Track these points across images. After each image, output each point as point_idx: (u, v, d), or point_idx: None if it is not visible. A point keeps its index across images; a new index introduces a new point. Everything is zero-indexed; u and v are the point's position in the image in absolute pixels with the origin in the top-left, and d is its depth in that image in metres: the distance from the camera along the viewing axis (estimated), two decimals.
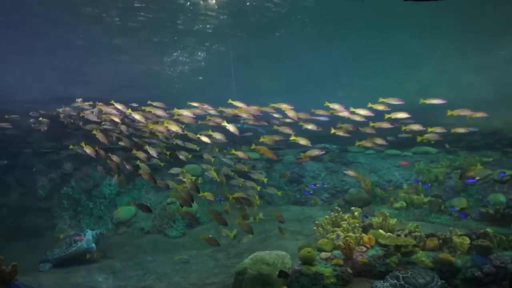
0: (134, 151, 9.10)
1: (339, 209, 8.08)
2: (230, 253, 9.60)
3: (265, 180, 10.48)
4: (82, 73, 16.70)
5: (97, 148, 9.07)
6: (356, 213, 7.79)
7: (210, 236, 8.82)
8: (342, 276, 5.87)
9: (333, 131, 8.85)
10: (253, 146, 9.02)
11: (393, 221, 7.43)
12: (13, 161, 13.05)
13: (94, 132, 9.25)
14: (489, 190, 10.80)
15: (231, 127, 8.33)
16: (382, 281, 5.48)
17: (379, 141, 8.82)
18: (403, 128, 8.81)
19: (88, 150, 9.03)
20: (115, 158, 8.92)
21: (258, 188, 9.65)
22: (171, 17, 11.91)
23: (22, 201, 12.42)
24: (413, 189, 11.88)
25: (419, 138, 8.68)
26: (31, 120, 12.69)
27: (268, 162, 14.82)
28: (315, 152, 8.88)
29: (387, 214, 7.64)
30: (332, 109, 8.77)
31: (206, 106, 9.52)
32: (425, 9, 11.54)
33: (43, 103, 14.37)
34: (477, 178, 10.87)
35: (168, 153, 9.71)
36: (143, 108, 10.67)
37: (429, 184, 11.87)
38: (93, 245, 9.48)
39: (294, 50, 15.69)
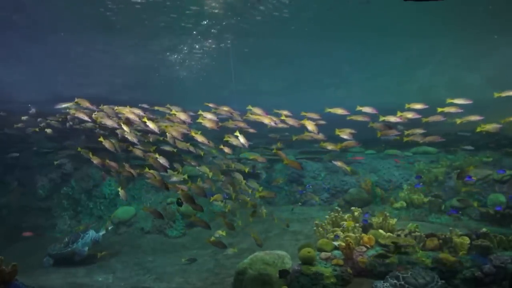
0: (150, 160, 8.89)
1: (339, 209, 8.07)
2: (230, 253, 9.59)
3: (246, 169, 10.63)
4: (82, 73, 16.71)
5: (107, 161, 8.91)
6: (356, 213, 7.78)
7: (216, 239, 8.80)
8: (342, 276, 5.86)
9: (379, 134, 8.84)
10: (275, 151, 9.11)
11: (393, 221, 7.43)
12: (13, 161, 13.05)
13: (101, 139, 9.08)
14: (489, 190, 10.79)
15: (241, 139, 8.31)
16: (382, 281, 5.47)
17: (433, 138, 8.79)
18: (458, 121, 8.70)
19: (96, 160, 8.94)
20: (132, 171, 8.71)
21: (243, 182, 9.74)
22: (172, 16, 11.91)
23: (22, 201, 12.42)
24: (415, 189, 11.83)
25: (479, 129, 8.67)
26: (38, 120, 12.65)
27: (269, 162, 14.79)
28: (352, 143, 8.85)
29: (387, 214, 7.63)
30: (382, 115, 8.84)
31: (227, 108, 9.45)
32: (425, 9, 11.54)
33: (43, 104, 14.36)
34: (474, 178, 10.90)
35: (154, 148, 9.59)
36: (155, 108, 10.59)
37: (421, 184, 11.78)
38: (86, 249, 9.41)
39: (294, 50, 15.70)
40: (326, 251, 6.42)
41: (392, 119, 8.80)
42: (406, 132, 8.92)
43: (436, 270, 5.81)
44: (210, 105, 9.93)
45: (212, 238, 8.78)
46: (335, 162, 9.61)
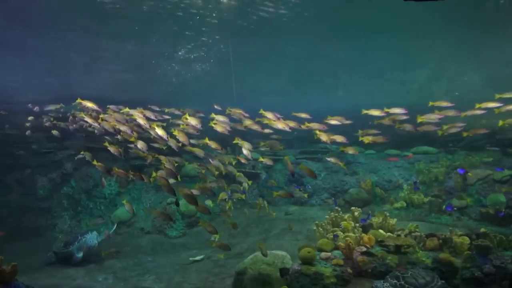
0: (163, 167, 8.73)
1: (339, 209, 8.07)
2: (230, 253, 9.59)
3: (234, 162, 10.59)
4: (82, 73, 16.70)
5: (116, 169, 8.78)
6: (356, 213, 7.78)
7: (222, 242, 8.76)
8: (342, 276, 5.86)
9: (420, 128, 8.79)
10: (286, 158, 9.05)
11: (393, 221, 7.43)
12: (13, 161, 13.05)
13: (106, 144, 8.90)
14: (489, 190, 10.79)
15: (245, 151, 8.25)
16: (382, 281, 5.47)
17: (481, 130, 8.74)
18: (497, 111, 8.51)
19: (100, 168, 8.88)
20: (144, 177, 8.59)
21: (237, 174, 9.76)
22: (172, 16, 11.90)
23: (22, 201, 12.42)
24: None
25: (501, 123, 8.69)
26: (44, 119, 12.65)
27: None
28: (381, 139, 8.74)
29: (387, 214, 7.63)
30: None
31: (239, 111, 9.31)
32: (425, 9, 11.53)
33: (43, 104, 14.35)
34: (470, 174, 11.02)
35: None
36: (166, 110, 10.38)
37: (419, 187, 11.78)
38: (80, 254, 9.30)
39: (294, 51, 15.68)
40: (326, 251, 6.42)
41: (432, 116, 8.71)
42: (444, 127, 8.82)
43: (436, 270, 5.82)
44: (216, 106, 9.84)
45: (216, 242, 8.71)
46: (329, 159, 9.50)
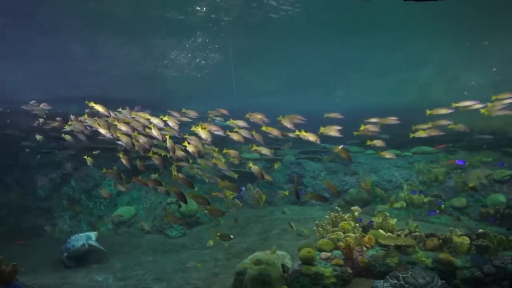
0: (175, 173, 8.60)
1: (339, 209, 8.06)
2: (230, 253, 9.59)
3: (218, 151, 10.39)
4: (81, 72, 16.70)
5: (137, 178, 8.65)
6: (356, 213, 7.77)
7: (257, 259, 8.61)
8: (342, 276, 5.86)
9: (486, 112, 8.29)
10: (294, 174, 8.84)
11: (393, 221, 7.41)
12: (13, 161, 13.04)
13: (119, 155, 8.60)
14: (489, 190, 10.79)
15: (254, 168, 8.20)
16: (382, 281, 5.47)
17: None
18: None
19: (110, 174, 8.80)
20: (163, 187, 8.42)
21: (223, 160, 9.64)
22: (172, 14, 11.91)
23: (22, 201, 12.42)
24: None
25: None
26: (56, 120, 12.58)
27: (269, 163, 14.82)
28: (435, 131, 8.21)
29: (387, 214, 7.61)
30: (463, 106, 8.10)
31: (260, 116, 9.05)
32: (426, 9, 11.53)
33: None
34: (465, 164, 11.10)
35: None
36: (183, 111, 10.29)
37: (415, 190, 11.72)
38: (65, 255, 9.21)
39: (294, 50, 15.69)
40: (326, 251, 6.42)
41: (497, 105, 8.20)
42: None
43: (436, 270, 5.81)
44: (223, 111, 9.76)
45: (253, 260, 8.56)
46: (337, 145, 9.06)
